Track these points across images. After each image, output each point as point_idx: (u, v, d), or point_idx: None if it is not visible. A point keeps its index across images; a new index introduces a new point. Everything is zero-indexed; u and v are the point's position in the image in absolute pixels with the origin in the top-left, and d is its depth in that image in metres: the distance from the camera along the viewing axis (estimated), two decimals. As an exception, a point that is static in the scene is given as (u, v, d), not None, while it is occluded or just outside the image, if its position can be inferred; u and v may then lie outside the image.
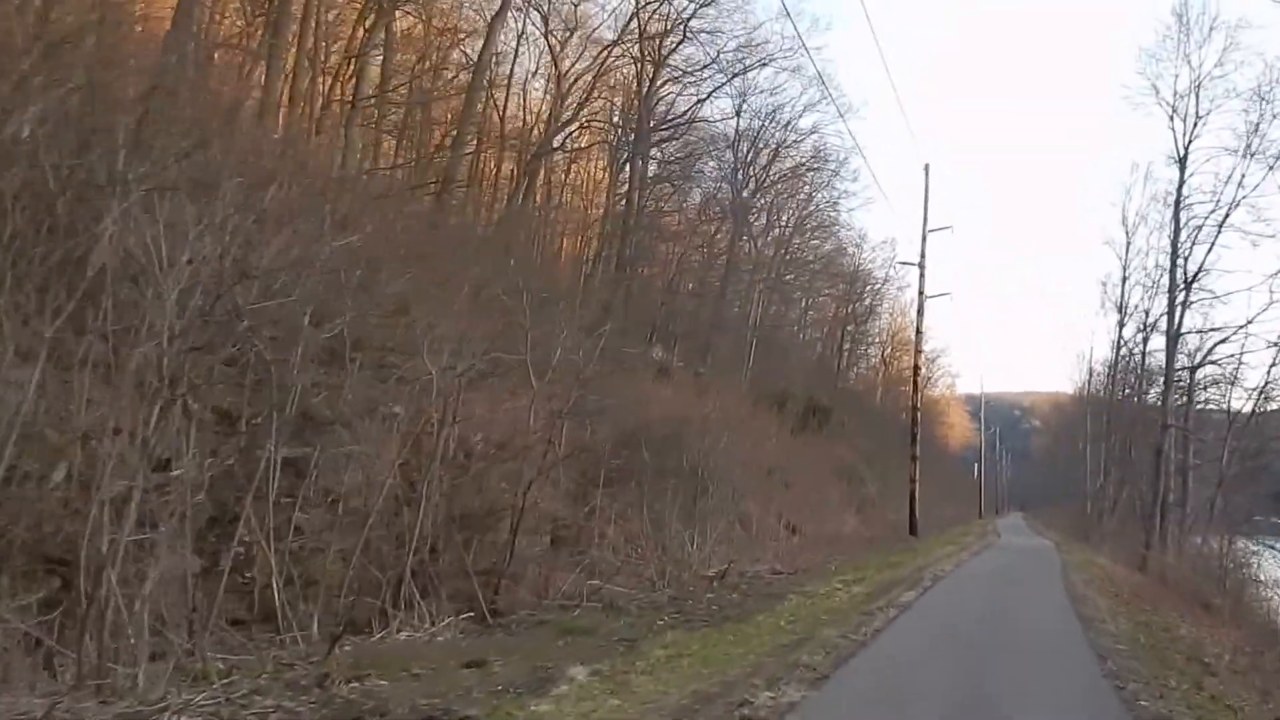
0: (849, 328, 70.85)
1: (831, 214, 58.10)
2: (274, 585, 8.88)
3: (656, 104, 41.61)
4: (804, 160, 51.61)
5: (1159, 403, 43.09)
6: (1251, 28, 56.33)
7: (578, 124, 40.02)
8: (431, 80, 33.63)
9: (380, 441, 11.06)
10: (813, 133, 49.65)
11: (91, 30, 12.24)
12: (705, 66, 41.25)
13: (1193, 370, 41.47)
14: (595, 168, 47.39)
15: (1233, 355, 39.96)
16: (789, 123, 48.22)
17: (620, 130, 42.25)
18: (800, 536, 26.90)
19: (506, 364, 14.23)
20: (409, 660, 8.52)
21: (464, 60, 34.74)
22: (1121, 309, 52.67)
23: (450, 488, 11.58)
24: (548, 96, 41.02)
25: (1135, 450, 49.31)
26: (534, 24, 38.68)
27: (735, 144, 46.81)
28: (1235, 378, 40.61)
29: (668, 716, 7.48)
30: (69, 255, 7.79)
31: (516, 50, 39.15)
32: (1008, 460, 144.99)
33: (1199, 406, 43.12)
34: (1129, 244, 50.49)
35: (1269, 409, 40.01)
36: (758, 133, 48.09)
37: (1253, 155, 37.44)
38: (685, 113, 42.77)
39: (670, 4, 38.64)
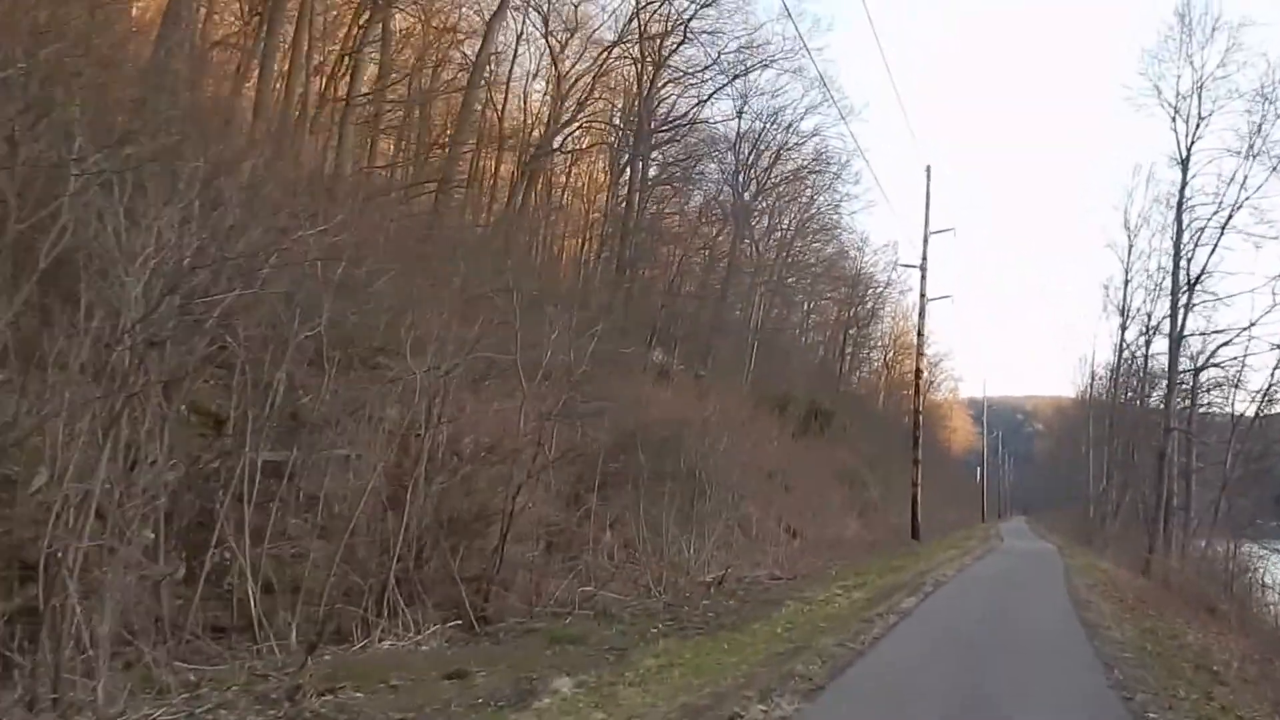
0: (851, 331, 70.63)
1: (833, 217, 58.15)
2: (250, 592, 8.55)
3: (657, 105, 41.41)
4: (805, 163, 51.53)
5: (1161, 406, 42.90)
6: (1255, 25, 55.66)
7: (577, 125, 39.78)
8: (431, 79, 33.37)
9: (365, 444, 10.75)
10: (814, 135, 49.57)
11: (79, 24, 12.08)
12: (706, 68, 41.09)
13: (1196, 373, 41.25)
14: (596, 169, 47.11)
15: (1236, 358, 39.78)
16: (790, 125, 48.14)
17: (621, 131, 42.02)
18: (801, 540, 26.62)
19: (496, 365, 13.92)
20: (388, 671, 8.23)
21: (463, 60, 34.45)
22: (1124, 312, 52.55)
23: (437, 491, 11.26)
24: (547, 97, 40.79)
25: (1138, 454, 49.18)
26: (534, 24, 38.49)
27: (736, 146, 46.68)
28: (1238, 380, 40.40)
29: (653, 731, 7.20)
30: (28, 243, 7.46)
31: (515, 50, 38.95)
32: (1010, 464, 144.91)
33: (1202, 410, 42.93)
34: (1131, 247, 50.30)
35: (1273, 411, 39.77)
36: (759, 135, 48.00)
37: (1255, 157, 37.26)
38: (686, 114, 42.55)
39: (671, 4, 38.49)
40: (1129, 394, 55.20)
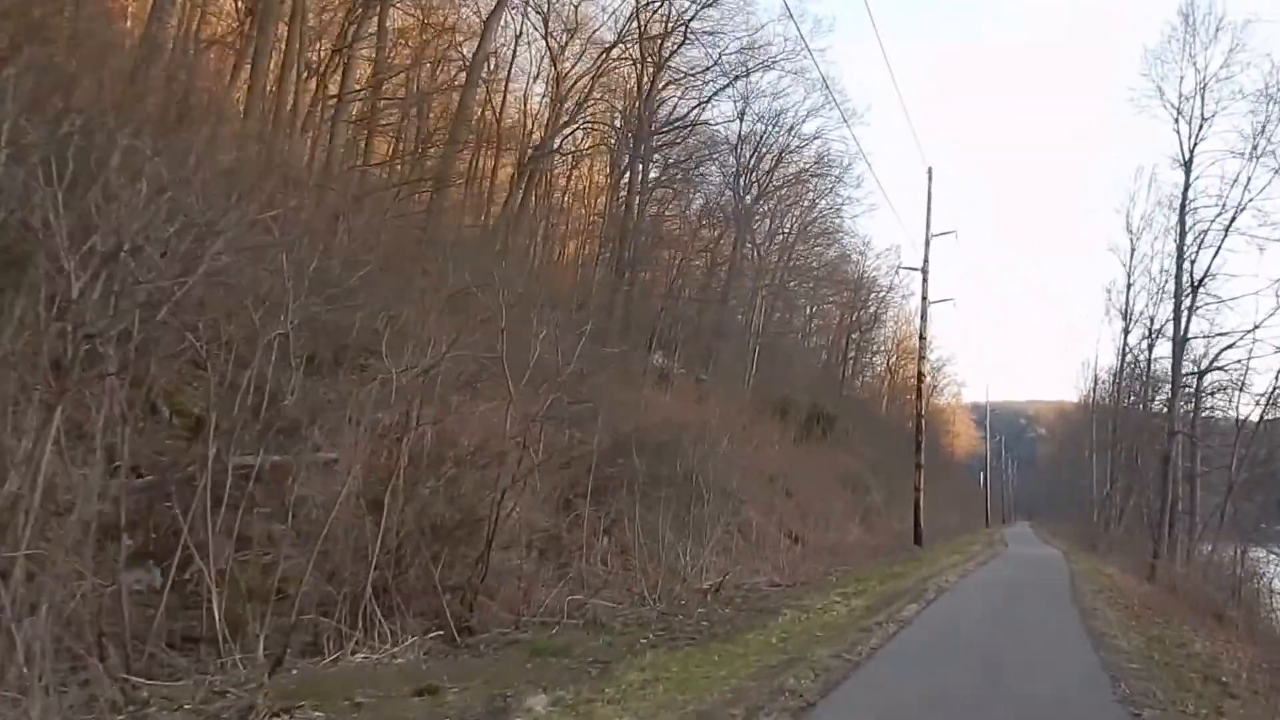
0: (854, 335, 70.38)
1: (835, 220, 57.94)
2: (214, 603, 8.13)
3: (658, 107, 41.17)
4: (807, 166, 51.32)
5: (1165, 410, 42.66)
6: (1260, 21, 55.23)
7: (576, 126, 39.47)
8: (431, 79, 33.06)
9: (344, 446, 10.35)
10: (816, 138, 49.32)
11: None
12: (707, 69, 40.84)
13: (1199, 376, 40.95)
14: (596, 172, 46.83)
15: (1240, 361, 39.45)
16: (792, 128, 47.90)
17: (621, 133, 41.73)
18: (802, 546, 26.35)
19: (488, 367, 13.53)
20: (356, 686, 7.79)
21: (461, 60, 34.09)
22: (1126, 315, 52.42)
23: (421, 496, 10.86)
24: (546, 99, 40.49)
25: (1142, 458, 48.96)
26: (533, 25, 38.17)
27: (738, 149, 46.44)
28: (1243, 383, 40.03)
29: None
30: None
31: (514, 51, 38.64)
32: (1014, 469, 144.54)
33: (1205, 413, 42.61)
34: (1133, 250, 50.29)
35: (1278, 415, 39.34)
36: (760, 138, 47.78)
37: (1259, 158, 36.95)
38: (686, 115, 42.27)
39: (671, 5, 38.23)
40: (1132, 398, 55.07)
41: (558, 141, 37.96)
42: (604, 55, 38.63)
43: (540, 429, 13.30)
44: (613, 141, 42.51)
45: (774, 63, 41.85)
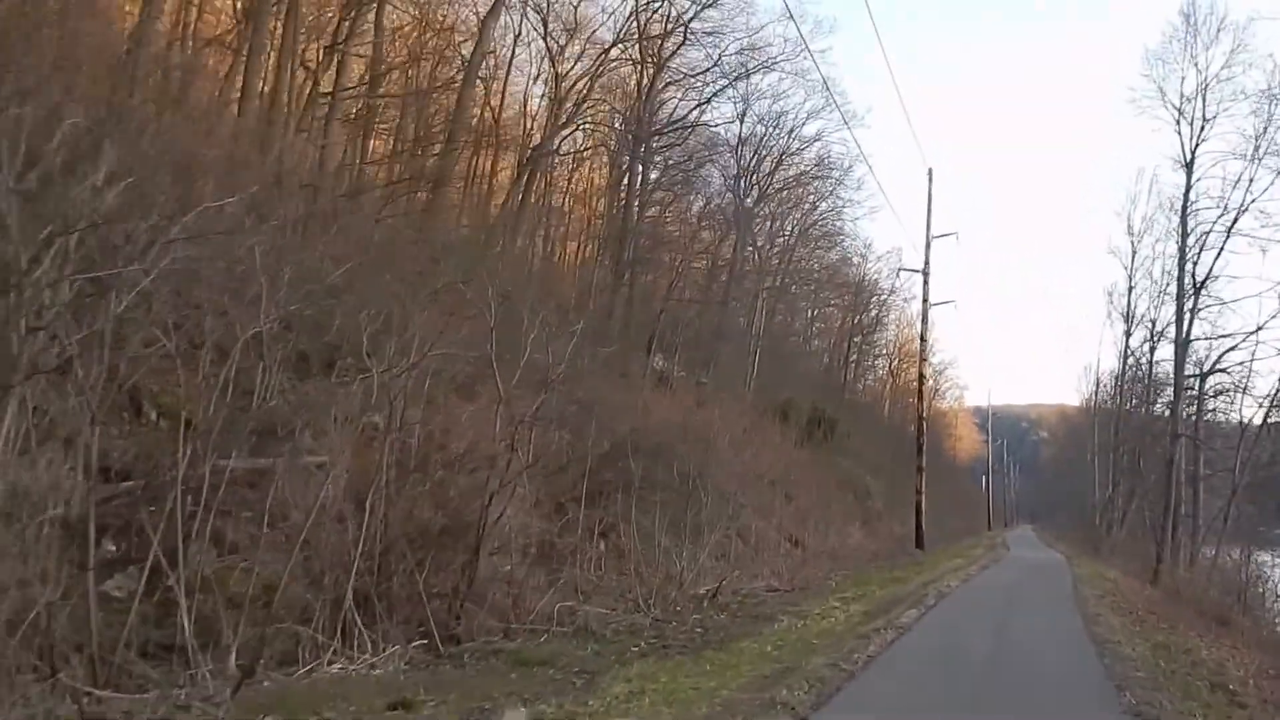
0: (856, 339, 70.01)
1: (836, 223, 57.64)
2: (183, 611, 7.82)
3: (659, 108, 40.91)
4: (808, 168, 51.01)
5: (1167, 413, 42.36)
6: (1262, 19, 54.95)
7: (575, 127, 39.18)
8: (428, 78, 32.80)
9: (326, 448, 10.05)
10: (816, 140, 48.96)
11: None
12: (707, 70, 40.53)
13: (1202, 378, 40.67)
14: (595, 173, 46.59)
15: (1242, 363, 39.11)
16: (793, 130, 47.62)
17: (620, 134, 41.46)
18: (803, 550, 26.15)
19: (476, 367, 13.23)
20: (326, 700, 7.49)
21: (460, 60, 33.83)
22: (1128, 318, 52.18)
23: (405, 500, 10.56)
24: (545, 100, 40.23)
25: (1144, 461, 48.67)
26: (532, 25, 37.91)
27: (738, 151, 46.16)
28: (1246, 386, 39.70)
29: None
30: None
31: (513, 51, 38.41)
32: (1016, 472, 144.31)
33: (1208, 416, 42.36)
34: (1134, 253, 50.18)
35: (1282, 417, 39.04)
36: (761, 140, 47.49)
37: (1261, 159, 36.68)
38: (686, 116, 42.01)
39: (671, 5, 37.94)
40: (1134, 401, 54.83)
41: (557, 142, 37.70)
42: (603, 56, 38.35)
43: (530, 431, 12.98)
44: (612, 143, 42.25)
45: (774, 64, 41.60)
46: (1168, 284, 43.29)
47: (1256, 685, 12.84)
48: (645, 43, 38.66)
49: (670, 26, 38.83)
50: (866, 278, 67.72)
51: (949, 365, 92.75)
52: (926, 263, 42.10)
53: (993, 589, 23.57)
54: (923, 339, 44.40)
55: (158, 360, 9.23)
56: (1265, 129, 36.61)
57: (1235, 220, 37.89)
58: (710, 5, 38.00)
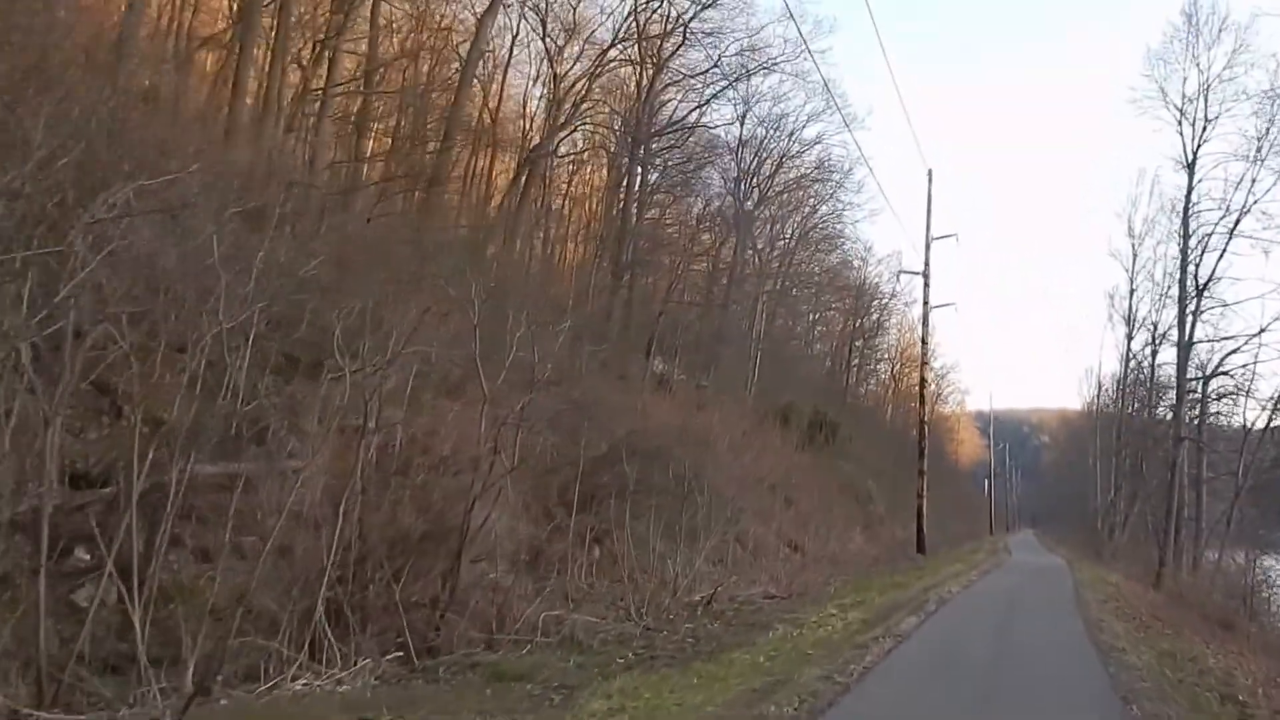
0: (857, 343, 69.80)
1: (836, 226, 57.42)
2: (136, 624, 7.45)
3: (658, 109, 40.66)
4: (808, 171, 50.81)
5: (1170, 416, 42.14)
6: (1265, 15, 54.65)
7: (573, 128, 38.92)
8: (425, 77, 32.54)
9: (297, 452, 9.70)
10: (817, 142, 48.76)
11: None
12: (707, 71, 40.26)
13: (1205, 381, 40.34)
14: (594, 174, 46.33)
15: (1246, 366, 38.79)
16: (793, 133, 47.42)
17: (620, 135, 41.19)
18: (802, 555, 25.89)
19: (461, 366, 12.87)
20: None
21: (458, 60, 33.56)
22: (1130, 321, 51.82)
23: (385, 505, 10.19)
24: (543, 101, 40.00)
25: (1146, 465, 48.36)
26: (531, 25, 37.67)
27: (738, 153, 45.93)
28: (1249, 388, 39.36)
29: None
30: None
31: (511, 51, 38.20)
32: (1018, 477, 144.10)
33: (1210, 419, 42.01)
34: (1135, 255, 49.94)
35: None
36: (761, 142, 47.30)
37: (1263, 160, 36.36)
38: (685, 117, 41.76)
39: (670, 5, 37.67)
40: (1136, 405, 54.54)
41: (555, 143, 37.42)
42: (601, 56, 38.08)
43: (517, 432, 12.61)
44: (611, 144, 41.99)
45: (774, 64, 41.35)
46: (1169, 286, 43.09)
47: (1266, 695, 12.47)
48: (644, 43, 38.50)
49: (669, 27, 38.69)
50: (867, 281, 67.73)
51: (951, 369, 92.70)
52: (927, 264, 41.77)
53: (994, 594, 23.24)
54: (924, 342, 44.16)
55: (134, 362, 8.89)
56: (1268, 130, 36.32)
57: (1237, 222, 37.66)
58: (710, 5, 37.82)
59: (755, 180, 48.57)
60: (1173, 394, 41.34)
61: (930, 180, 42.34)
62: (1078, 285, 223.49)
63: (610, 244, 38.96)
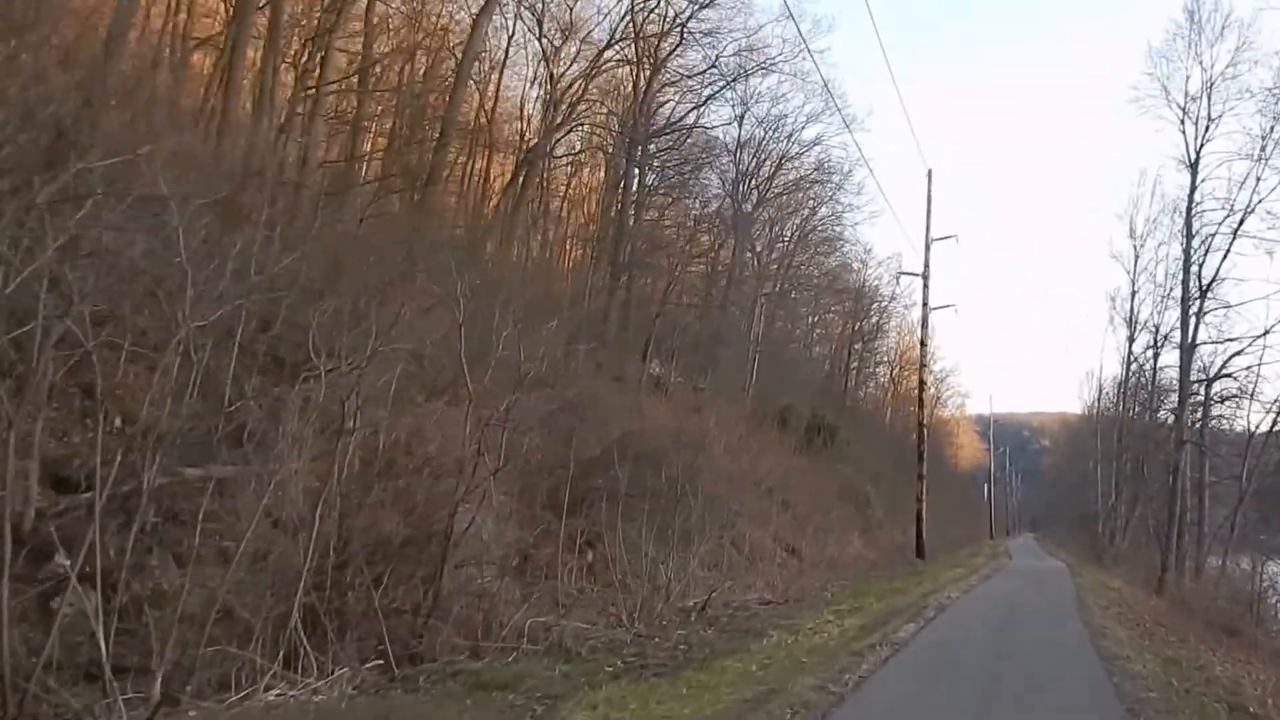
0: (856, 346, 69.56)
1: (835, 228, 57.21)
2: (100, 632, 7.12)
3: (656, 110, 40.39)
4: (807, 173, 50.58)
5: (1172, 420, 41.88)
6: (1271, 9, 54.36)
7: (570, 129, 38.66)
8: (420, 77, 32.29)
9: (273, 454, 9.35)
10: (816, 144, 48.53)
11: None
12: (704, 71, 40.01)
13: (1207, 384, 40.05)
14: (592, 175, 46.06)
15: (1249, 368, 38.46)
16: (792, 134, 47.19)
17: (617, 135, 40.93)
18: (799, 560, 25.59)
19: (451, 367, 12.54)
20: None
21: (453, 60, 33.30)
22: (1131, 323, 51.60)
23: (366, 508, 9.85)
24: (539, 102, 39.72)
25: (1148, 469, 48.12)
26: (527, 25, 37.37)
27: (737, 154, 45.72)
28: (1252, 391, 39.04)
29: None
30: None
31: (507, 52, 37.89)
32: (1018, 480, 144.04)
33: (1213, 422, 41.73)
34: (1137, 256, 49.83)
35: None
36: (760, 143, 47.08)
37: (1268, 159, 36.00)
38: (683, 117, 41.52)
39: (667, 4, 37.41)
40: (1137, 408, 54.28)
41: (552, 143, 37.15)
42: (598, 56, 37.81)
43: (502, 433, 12.26)
44: (609, 145, 41.73)
45: (773, 64, 41.12)
46: (1172, 288, 42.83)
47: (1276, 706, 12.14)
48: (641, 43, 38.28)
49: (667, 27, 38.48)
50: (867, 284, 67.50)
51: (950, 373, 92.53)
52: (926, 266, 41.53)
53: (994, 600, 22.93)
54: (923, 344, 43.95)
55: (96, 362, 8.57)
56: (1272, 128, 35.87)
57: (1241, 222, 37.27)
58: (707, 5, 37.56)
59: (754, 182, 48.41)
60: (1174, 397, 41.13)
61: (930, 181, 42.19)
62: (1078, 287, 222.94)
63: (608, 245, 38.69)
